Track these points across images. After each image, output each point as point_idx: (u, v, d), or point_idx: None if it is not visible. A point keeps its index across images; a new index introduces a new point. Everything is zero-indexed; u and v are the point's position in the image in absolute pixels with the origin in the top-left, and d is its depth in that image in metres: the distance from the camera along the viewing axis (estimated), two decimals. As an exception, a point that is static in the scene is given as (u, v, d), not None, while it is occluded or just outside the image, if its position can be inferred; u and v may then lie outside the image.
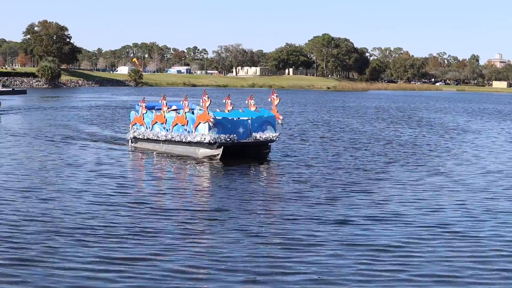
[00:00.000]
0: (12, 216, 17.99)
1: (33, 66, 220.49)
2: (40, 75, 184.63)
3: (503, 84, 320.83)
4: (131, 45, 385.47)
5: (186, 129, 32.25)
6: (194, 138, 31.32)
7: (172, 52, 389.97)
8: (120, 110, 74.85)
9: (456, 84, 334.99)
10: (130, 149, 35.71)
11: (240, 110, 33.41)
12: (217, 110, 33.31)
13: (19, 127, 49.16)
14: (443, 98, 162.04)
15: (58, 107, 77.19)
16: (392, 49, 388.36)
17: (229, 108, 32.85)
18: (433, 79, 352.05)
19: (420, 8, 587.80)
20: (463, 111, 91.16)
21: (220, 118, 31.22)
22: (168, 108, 34.70)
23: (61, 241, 15.33)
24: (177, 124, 32.96)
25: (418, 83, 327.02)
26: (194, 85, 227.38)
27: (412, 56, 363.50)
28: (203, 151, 31.28)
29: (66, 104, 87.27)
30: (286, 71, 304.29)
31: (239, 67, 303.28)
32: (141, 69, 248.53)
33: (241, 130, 31.19)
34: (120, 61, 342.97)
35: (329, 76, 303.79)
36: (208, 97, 30.37)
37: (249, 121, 31.53)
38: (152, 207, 19.56)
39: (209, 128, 30.51)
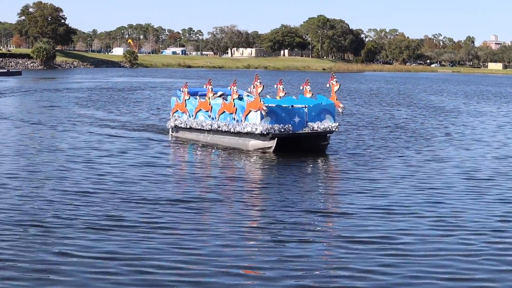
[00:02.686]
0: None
1: (28, 47, 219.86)
2: (35, 57, 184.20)
3: (498, 66, 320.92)
4: (126, 27, 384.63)
5: (234, 118, 28.77)
6: (244, 128, 27.98)
7: (167, 33, 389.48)
8: (136, 92, 74.43)
9: (451, 66, 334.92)
10: (170, 139, 32.57)
11: (294, 97, 30.44)
12: (267, 97, 30.18)
13: (26, 110, 48.34)
14: (441, 79, 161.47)
15: (71, 89, 76.88)
16: (387, 30, 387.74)
17: (281, 94, 29.65)
18: (428, 61, 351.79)
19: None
20: (463, 93, 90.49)
21: (274, 106, 27.89)
22: (214, 94, 30.87)
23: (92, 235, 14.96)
24: (224, 112, 29.46)
25: (414, 64, 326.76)
26: (189, 66, 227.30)
27: (408, 37, 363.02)
28: (254, 143, 28.07)
29: (71, 85, 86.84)
30: (282, 52, 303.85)
31: (234, 49, 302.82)
32: (136, 50, 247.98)
33: (296, 119, 27.80)
34: (115, 42, 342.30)
35: (325, 57, 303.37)
36: (260, 82, 26.83)
37: (306, 109, 28.11)
38: (193, 203, 17.95)
39: (261, 117, 27.12)
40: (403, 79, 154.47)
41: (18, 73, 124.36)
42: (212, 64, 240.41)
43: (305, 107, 28.25)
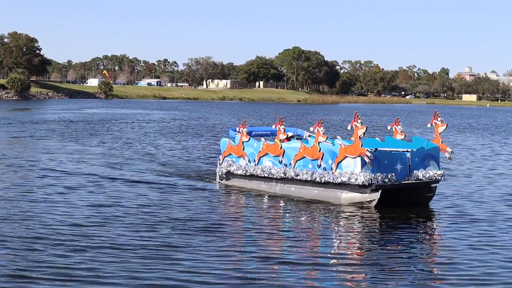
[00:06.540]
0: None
1: (3, 78, 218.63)
2: (9, 87, 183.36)
3: (472, 97, 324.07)
4: (101, 57, 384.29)
5: (320, 165, 24.00)
6: (337, 178, 23.18)
7: (142, 64, 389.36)
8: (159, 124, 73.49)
9: (426, 97, 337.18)
10: (218, 187, 27.61)
11: (378, 139, 26.21)
12: (338, 137, 24.84)
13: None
14: (420, 111, 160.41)
15: (46, 120, 76.03)
16: (362, 62, 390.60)
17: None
18: (403, 92, 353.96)
19: (390, 21, 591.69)
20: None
21: (375, 150, 23.53)
22: (286, 135, 26.11)
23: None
24: (303, 157, 24.69)
25: (388, 96, 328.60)
26: (164, 98, 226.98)
27: (382, 69, 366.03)
28: (349, 196, 23.29)
29: (45, 116, 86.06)
30: (257, 84, 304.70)
31: (210, 80, 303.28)
32: (111, 81, 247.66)
33: (398, 166, 23.28)
34: (90, 73, 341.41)
35: (300, 89, 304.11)
36: (361, 123, 22.47)
37: (408, 154, 23.70)
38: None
39: (363, 165, 22.56)
40: (380, 111, 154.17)
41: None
42: (187, 95, 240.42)
43: (408, 151, 23.97)
